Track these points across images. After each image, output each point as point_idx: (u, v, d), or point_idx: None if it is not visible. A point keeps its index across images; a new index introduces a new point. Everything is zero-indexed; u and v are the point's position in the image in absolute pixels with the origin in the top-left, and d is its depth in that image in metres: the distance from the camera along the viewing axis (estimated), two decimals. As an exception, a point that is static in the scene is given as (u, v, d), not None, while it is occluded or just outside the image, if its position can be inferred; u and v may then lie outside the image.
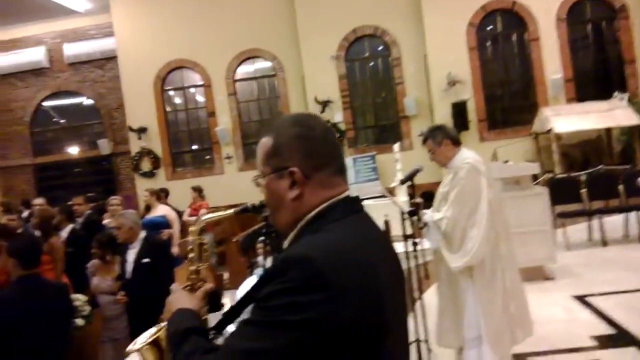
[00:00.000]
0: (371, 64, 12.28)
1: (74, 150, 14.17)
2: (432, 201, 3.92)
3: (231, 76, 12.75)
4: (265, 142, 1.28)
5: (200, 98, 13.09)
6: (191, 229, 1.48)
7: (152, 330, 1.39)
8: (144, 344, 1.37)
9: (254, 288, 1.22)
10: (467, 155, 3.62)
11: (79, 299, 4.29)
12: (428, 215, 3.64)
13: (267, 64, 12.78)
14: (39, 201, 7.25)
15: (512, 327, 3.44)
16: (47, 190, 13.39)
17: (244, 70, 12.88)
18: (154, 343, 1.37)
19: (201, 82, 12.88)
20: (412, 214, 3.64)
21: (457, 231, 3.42)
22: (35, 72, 13.90)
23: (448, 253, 3.48)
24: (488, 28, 11.57)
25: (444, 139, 3.66)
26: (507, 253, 3.49)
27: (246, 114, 12.96)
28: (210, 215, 1.50)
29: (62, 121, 14.25)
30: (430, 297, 4.11)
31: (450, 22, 11.20)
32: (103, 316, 4.73)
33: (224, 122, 12.67)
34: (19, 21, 13.32)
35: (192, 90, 13.13)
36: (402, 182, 3.86)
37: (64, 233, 5.85)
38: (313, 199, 1.24)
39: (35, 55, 13.72)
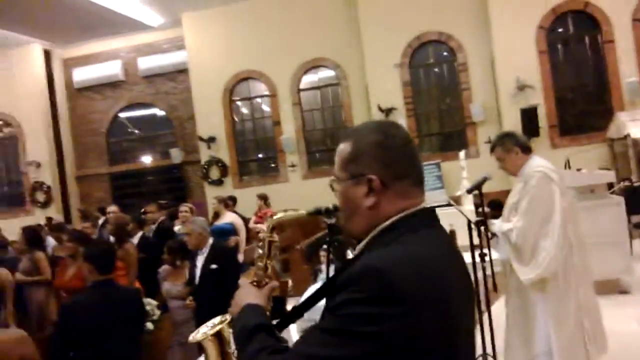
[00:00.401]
0: (436, 70, 12.11)
1: (147, 159, 14.75)
2: (499, 210, 3.81)
3: (296, 86, 12.91)
4: (344, 148, 1.28)
5: (266, 108, 13.33)
6: (263, 226, 1.50)
7: (216, 320, 1.42)
8: (207, 335, 1.40)
9: (324, 293, 1.22)
10: (539, 162, 3.51)
11: (149, 303, 4.44)
12: (497, 225, 3.54)
13: (330, 73, 12.86)
14: (112, 208, 7.58)
15: (585, 342, 3.29)
16: (122, 197, 14.00)
17: (308, 79, 13.02)
18: (217, 335, 1.40)
19: (267, 92, 13.12)
20: (480, 224, 3.55)
21: (528, 242, 3.30)
22: (111, 85, 14.58)
23: (518, 265, 3.36)
24: (559, 30, 11.16)
25: (514, 146, 3.55)
26: (580, 265, 3.35)
27: (310, 122, 13.09)
28: (283, 214, 1.51)
29: (136, 131, 14.87)
30: (499, 310, 3.99)
31: (518, 25, 10.87)
32: (173, 321, 4.88)
33: (289, 131, 12.84)
34: (96, 36, 14.03)
35: (259, 100, 13.40)
36: (469, 191, 3.78)
37: (135, 239, 6.09)
38: (389, 208, 1.23)
39: (112, 68, 14.39)
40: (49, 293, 5.77)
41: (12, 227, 9.16)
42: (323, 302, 1.25)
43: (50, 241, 7.03)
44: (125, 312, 3.52)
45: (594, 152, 10.27)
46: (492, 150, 3.68)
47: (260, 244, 1.49)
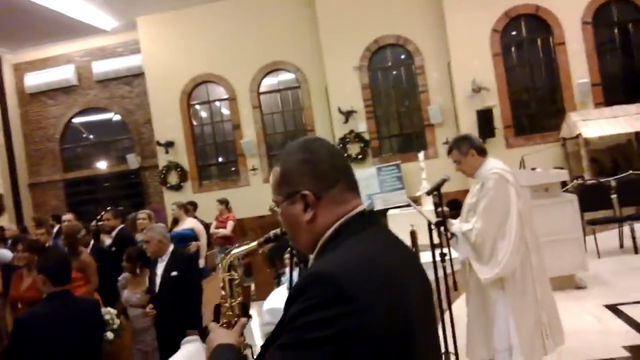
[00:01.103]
0: (394, 72, 12.26)
1: (102, 165, 14.42)
2: (458, 210, 3.88)
3: (255, 89, 12.86)
4: (274, 172, 1.34)
5: (225, 111, 13.22)
6: (220, 266, 1.50)
7: None
8: None
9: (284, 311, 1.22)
10: (494, 164, 3.59)
11: (109, 312, 4.34)
12: (456, 226, 3.60)
13: (290, 76, 12.87)
14: (67, 217, 7.37)
15: (543, 337, 3.38)
16: (77, 204, 13.67)
17: (268, 82, 12.98)
18: None
19: (226, 96, 13.02)
20: (439, 224, 3.61)
21: (487, 242, 3.38)
22: (65, 90, 14.21)
23: (478, 264, 3.43)
24: (512, 33, 11.46)
25: (470, 149, 3.63)
26: (537, 263, 3.44)
27: (271, 126, 13.05)
28: (237, 250, 1.53)
29: (91, 137, 14.53)
30: (459, 308, 4.06)
31: (473, 28, 11.13)
32: (133, 329, 4.78)
33: (249, 135, 12.78)
34: (49, 41, 13.65)
35: (218, 103, 13.28)
36: (429, 193, 3.84)
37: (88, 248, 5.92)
38: (327, 217, 1.27)
39: (65, 73, 14.03)
40: (3, 305, 5.57)
41: (-39, 238, 8.79)
42: (283, 304, 1.25)
43: (1, 252, 6.76)
44: (83, 324, 3.40)
45: (548, 151, 10.59)
46: (449, 153, 3.76)
47: (221, 285, 1.48)
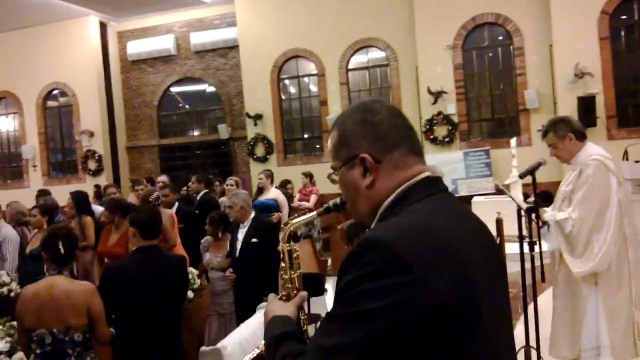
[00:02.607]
0: (490, 53, 11.73)
1: (195, 134, 14.97)
2: (548, 202, 3.65)
3: (344, 65, 12.77)
4: (332, 136, 1.26)
5: (313, 87, 13.26)
6: (280, 236, 1.45)
7: (261, 344, 1.43)
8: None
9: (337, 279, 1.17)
10: (594, 150, 3.33)
11: (190, 272, 4.50)
12: (549, 214, 3.38)
13: (380, 54, 12.66)
14: (162, 178, 7.75)
15: (635, 337, 3.14)
16: (170, 169, 14.28)
17: (357, 59, 12.85)
18: (259, 358, 1.42)
19: (315, 71, 13.04)
20: (531, 211, 3.40)
21: (583, 234, 3.14)
22: (164, 59, 14.78)
23: (570, 257, 3.20)
24: (623, 17, 10.61)
25: (568, 132, 3.38)
26: (635, 259, 3.18)
27: (357, 103, 12.94)
28: (296, 220, 1.48)
29: (186, 106, 15.08)
30: (545, 301, 3.85)
31: (580, 9, 10.39)
32: (212, 291, 4.94)
33: (335, 111, 12.73)
34: (151, 10, 14.22)
35: (306, 79, 13.34)
36: (522, 176, 3.61)
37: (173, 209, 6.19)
38: (388, 183, 1.18)
39: (165, 43, 14.55)
40: (94, 257, 5.93)
41: (65, 194, 9.41)
42: None
43: (97, 208, 7.19)
44: (168, 278, 3.53)
45: (654, 145, 9.78)
46: (544, 136, 3.52)
47: (281, 256, 1.44)
